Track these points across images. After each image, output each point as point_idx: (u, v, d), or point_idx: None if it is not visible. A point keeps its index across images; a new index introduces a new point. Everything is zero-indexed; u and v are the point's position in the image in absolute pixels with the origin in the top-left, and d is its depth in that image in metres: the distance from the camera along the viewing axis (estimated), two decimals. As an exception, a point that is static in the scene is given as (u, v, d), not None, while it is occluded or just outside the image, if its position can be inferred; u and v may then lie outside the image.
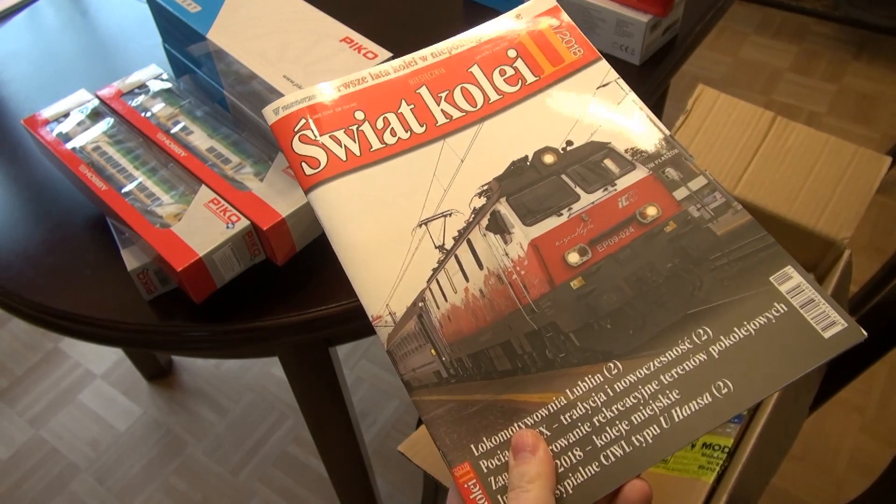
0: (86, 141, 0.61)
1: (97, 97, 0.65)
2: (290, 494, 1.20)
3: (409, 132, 0.41)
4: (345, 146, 0.40)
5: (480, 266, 0.38)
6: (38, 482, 1.24)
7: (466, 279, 0.38)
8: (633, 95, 0.42)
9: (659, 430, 0.33)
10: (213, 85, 0.63)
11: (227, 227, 0.53)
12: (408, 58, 0.44)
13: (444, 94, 0.42)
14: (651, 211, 0.38)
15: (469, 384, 0.36)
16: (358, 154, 0.40)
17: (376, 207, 0.39)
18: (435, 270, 0.38)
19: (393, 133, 0.41)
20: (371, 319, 0.37)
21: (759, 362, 0.34)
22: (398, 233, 0.38)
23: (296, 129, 0.40)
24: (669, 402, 0.34)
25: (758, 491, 0.64)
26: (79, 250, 0.62)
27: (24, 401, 1.36)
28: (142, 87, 0.66)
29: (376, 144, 0.40)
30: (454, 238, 0.38)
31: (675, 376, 0.34)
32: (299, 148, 0.40)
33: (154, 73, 0.67)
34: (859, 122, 1.70)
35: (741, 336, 0.35)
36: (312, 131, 0.40)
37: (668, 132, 0.41)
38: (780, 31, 1.97)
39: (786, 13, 2.01)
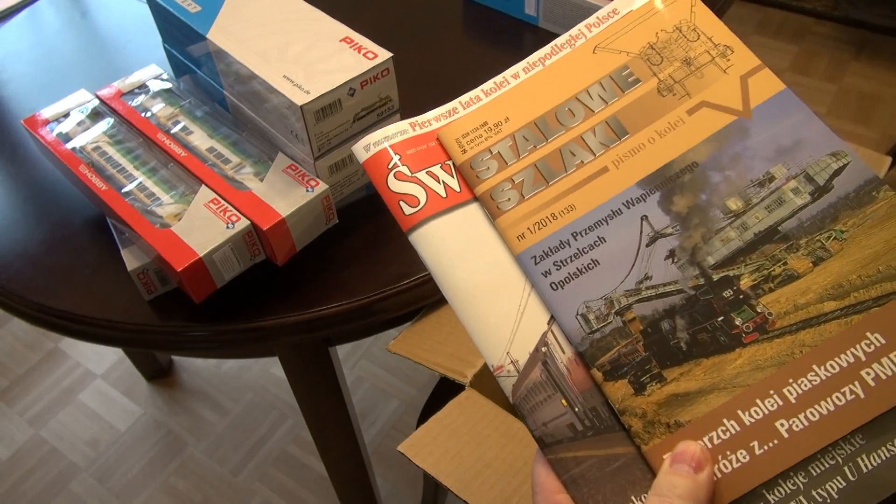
0: (86, 141, 0.61)
1: (97, 97, 0.65)
2: (290, 494, 1.20)
3: None
4: (443, 182, 0.37)
5: None
6: (38, 482, 1.24)
7: None
8: None
9: (845, 484, 0.29)
10: (213, 85, 0.63)
11: (227, 227, 0.53)
12: (498, 78, 0.40)
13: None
14: None
15: (608, 436, 0.32)
16: (458, 190, 0.37)
17: (484, 245, 0.36)
18: None
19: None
20: (492, 370, 0.34)
21: None
22: (510, 270, 0.35)
23: (389, 167, 0.37)
24: (853, 449, 0.30)
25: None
26: (79, 250, 0.62)
27: (24, 401, 1.36)
28: (142, 87, 0.66)
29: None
30: None
31: None
32: (395, 186, 0.37)
33: (154, 73, 0.67)
34: (859, 122, 1.70)
35: None
36: (407, 167, 0.37)
37: None
38: (780, 31, 1.97)
39: (786, 13, 2.01)
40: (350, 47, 0.56)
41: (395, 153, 0.38)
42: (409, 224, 0.36)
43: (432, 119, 0.39)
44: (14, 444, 1.29)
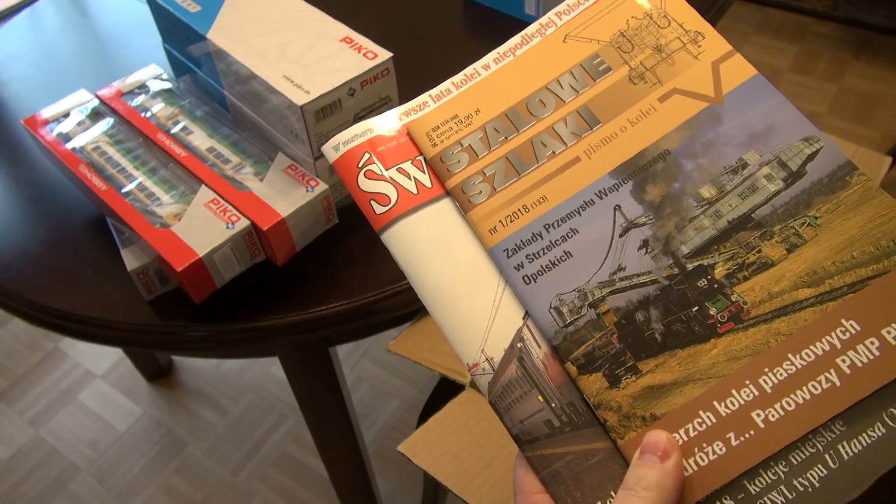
0: (86, 141, 0.61)
1: (97, 97, 0.65)
2: (290, 494, 1.20)
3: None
4: (414, 178, 0.36)
5: None
6: (38, 482, 1.24)
7: None
8: None
9: (826, 472, 0.29)
10: (213, 85, 0.63)
11: (227, 227, 0.53)
12: (469, 70, 0.39)
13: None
14: None
15: (586, 431, 0.32)
16: (429, 186, 0.36)
17: (457, 240, 0.35)
18: None
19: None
20: (468, 369, 0.33)
21: None
22: (483, 266, 0.34)
23: (359, 166, 0.37)
24: (833, 436, 0.29)
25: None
26: (79, 250, 0.62)
27: (24, 401, 1.36)
28: (142, 87, 0.66)
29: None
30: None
31: None
32: (366, 185, 0.36)
33: (154, 73, 0.67)
34: (859, 122, 1.70)
35: None
36: (378, 166, 0.36)
37: None
38: (780, 31, 1.97)
39: (786, 13, 2.01)
40: (350, 47, 0.56)
41: (366, 151, 0.37)
42: (381, 224, 0.36)
43: (402, 114, 0.38)
44: (14, 444, 1.29)
